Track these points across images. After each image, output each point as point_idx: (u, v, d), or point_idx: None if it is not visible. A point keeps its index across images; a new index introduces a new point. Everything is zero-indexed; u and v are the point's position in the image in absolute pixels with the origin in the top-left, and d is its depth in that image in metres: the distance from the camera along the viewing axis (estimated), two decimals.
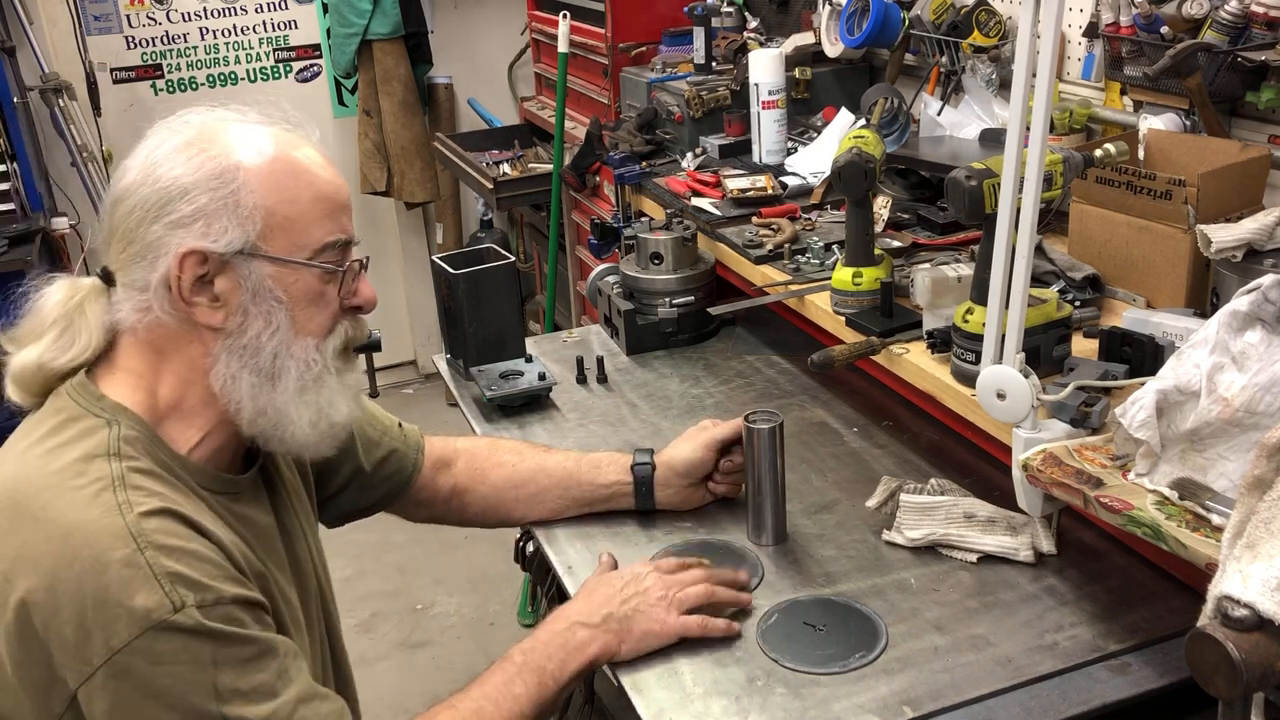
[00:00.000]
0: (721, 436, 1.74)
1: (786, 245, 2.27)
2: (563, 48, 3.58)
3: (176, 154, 1.24)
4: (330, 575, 1.54)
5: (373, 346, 2.33)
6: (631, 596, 1.47)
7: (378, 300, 1.37)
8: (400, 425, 1.73)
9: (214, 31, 4.44)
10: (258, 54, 4.52)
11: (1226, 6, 1.90)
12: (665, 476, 1.73)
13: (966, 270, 1.81)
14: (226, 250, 1.22)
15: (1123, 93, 2.26)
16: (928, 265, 1.97)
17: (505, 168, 3.93)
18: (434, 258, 2.26)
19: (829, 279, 2.04)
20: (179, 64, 4.42)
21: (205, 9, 4.41)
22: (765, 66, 2.74)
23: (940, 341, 1.77)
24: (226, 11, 4.44)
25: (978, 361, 1.53)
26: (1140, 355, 1.58)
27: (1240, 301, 1.30)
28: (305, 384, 1.28)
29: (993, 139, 2.43)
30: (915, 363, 1.81)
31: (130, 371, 1.26)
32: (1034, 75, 1.35)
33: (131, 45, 4.35)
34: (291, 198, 1.26)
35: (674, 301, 2.34)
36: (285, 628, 1.30)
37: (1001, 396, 1.45)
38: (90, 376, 1.26)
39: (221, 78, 4.49)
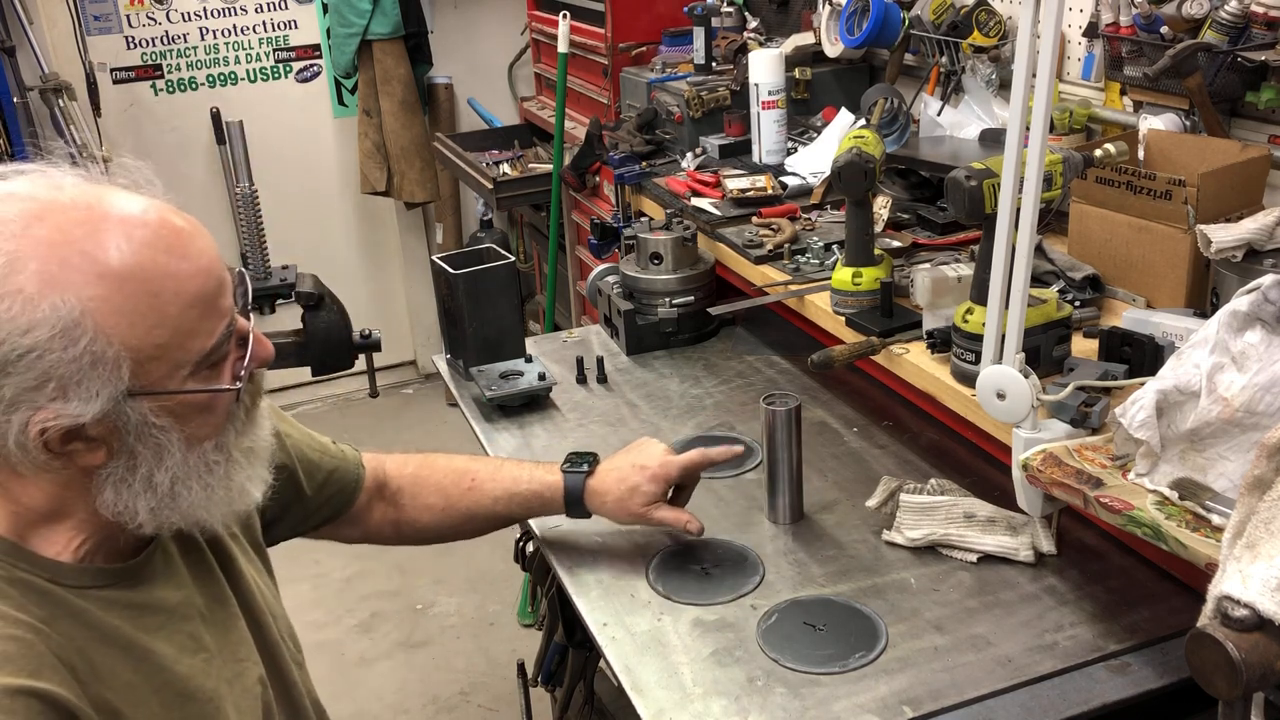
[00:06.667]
0: (670, 475, 1.63)
1: (786, 245, 2.27)
2: (563, 48, 3.58)
3: None
4: (284, 612, 1.40)
5: (373, 346, 2.36)
6: None
7: (274, 352, 1.18)
8: (335, 443, 1.60)
9: (214, 31, 4.44)
10: (258, 54, 4.51)
11: (1226, 6, 1.90)
12: (597, 506, 1.64)
13: (966, 270, 1.81)
14: (96, 414, 1.02)
15: (1123, 93, 2.26)
16: (928, 265, 1.96)
17: (505, 168, 3.93)
18: (434, 258, 2.26)
19: (829, 279, 2.04)
20: (179, 64, 4.42)
21: (205, 9, 4.40)
22: (765, 66, 2.74)
23: (940, 341, 1.77)
24: (226, 11, 4.43)
25: (978, 361, 1.54)
26: (1140, 355, 1.58)
27: (1240, 301, 1.30)
28: (210, 485, 1.13)
29: (993, 139, 2.43)
30: (915, 363, 1.81)
31: None
32: (1034, 75, 1.35)
33: (131, 45, 4.35)
34: (156, 322, 1.04)
35: (674, 301, 2.34)
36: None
37: (1001, 396, 1.45)
38: None
39: (221, 78, 4.48)
